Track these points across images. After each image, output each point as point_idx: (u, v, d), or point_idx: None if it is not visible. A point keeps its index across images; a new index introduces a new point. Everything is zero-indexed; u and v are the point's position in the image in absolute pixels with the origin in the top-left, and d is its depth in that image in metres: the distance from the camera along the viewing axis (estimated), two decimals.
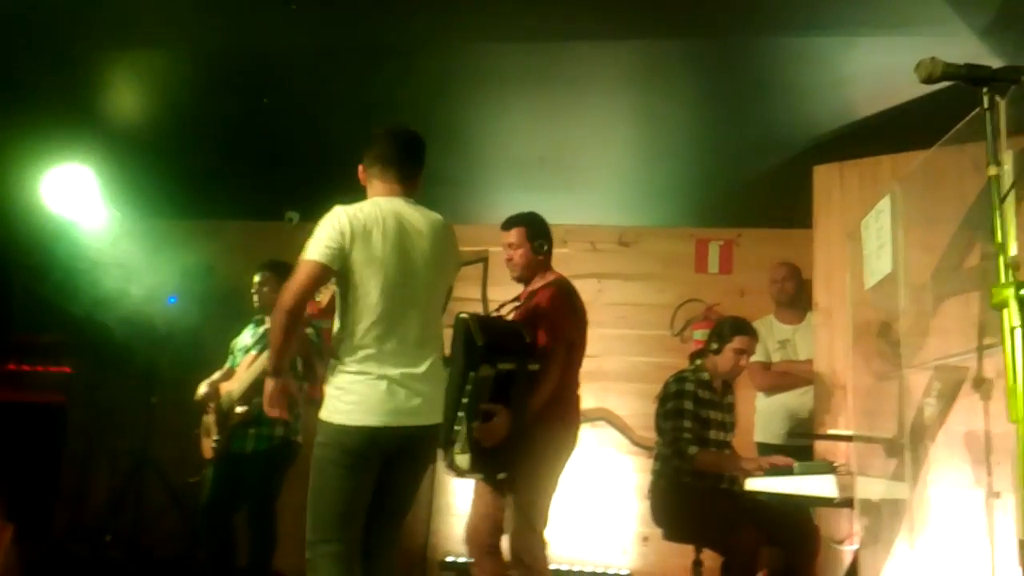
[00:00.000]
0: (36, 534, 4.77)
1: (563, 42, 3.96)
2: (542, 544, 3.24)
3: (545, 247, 3.47)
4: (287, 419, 3.26)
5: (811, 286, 4.41)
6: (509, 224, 3.51)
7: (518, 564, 3.19)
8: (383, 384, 2.62)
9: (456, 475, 3.25)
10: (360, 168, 2.97)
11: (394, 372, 2.64)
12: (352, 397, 2.62)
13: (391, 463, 2.68)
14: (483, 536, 3.37)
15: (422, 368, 2.70)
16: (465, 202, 5.70)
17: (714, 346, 3.79)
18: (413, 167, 2.94)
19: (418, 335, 2.70)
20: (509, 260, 3.49)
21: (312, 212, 5.82)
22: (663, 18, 3.71)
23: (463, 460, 3.10)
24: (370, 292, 2.65)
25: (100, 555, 4.93)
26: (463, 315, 3.26)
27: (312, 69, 4.38)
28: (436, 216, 2.87)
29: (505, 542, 3.36)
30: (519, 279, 3.51)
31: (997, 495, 2.86)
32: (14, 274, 5.86)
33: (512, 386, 3.14)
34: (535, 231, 3.46)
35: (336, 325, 2.73)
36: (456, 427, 3.06)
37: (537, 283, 3.46)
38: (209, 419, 4.17)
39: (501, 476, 3.19)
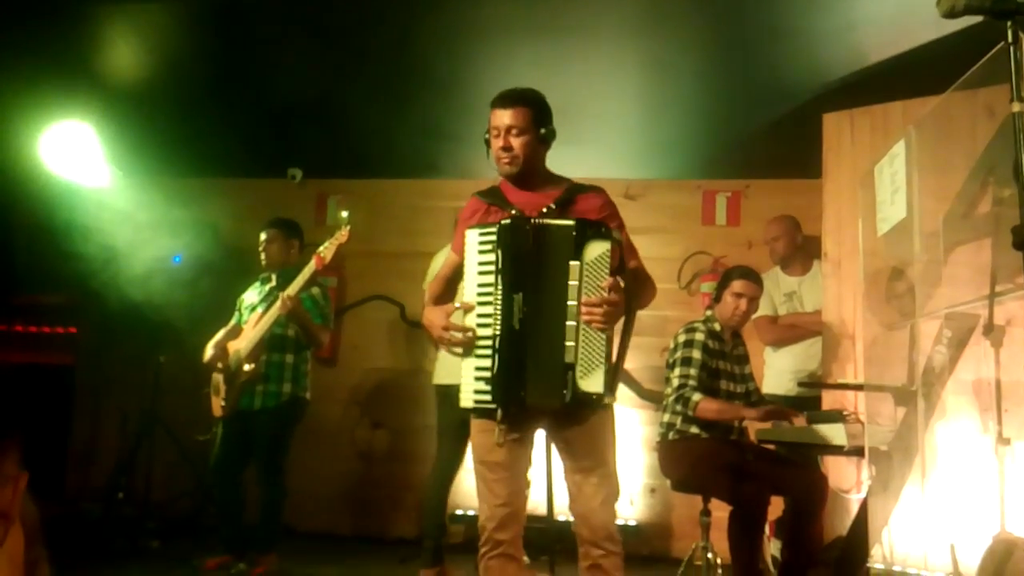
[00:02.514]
0: (47, 494, 4.81)
1: None
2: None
3: (551, 139, 2.69)
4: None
5: (819, 237, 4.37)
6: (511, 100, 2.65)
7: (607, 541, 2.51)
8: None
9: (577, 408, 2.46)
10: None
11: None
12: None
13: None
14: (522, 519, 2.62)
15: None
16: (468, 157, 5.63)
17: (716, 294, 3.79)
18: None
19: None
20: (504, 149, 2.61)
21: (315, 169, 5.87)
22: None
23: (593, 382, 2.40)
24: None
25: (112, 514, 4.98)
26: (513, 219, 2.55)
27: (315, 23, 4.31)
28: None
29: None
30: (513, 176, 2.65)
31: (1007, 442, 2.86)
32: (16, 235, 5.84)
33: (621, 263, 2.51)
34: (543, 115, 2.67)
35: None
36: (569, 343, 2.40)
37: (549, 187, 2.68)
38: (218, 377, 4.18)
39: (610, 399, 2.48)
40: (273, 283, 4.22)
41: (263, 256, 4.27)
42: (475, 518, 5.07)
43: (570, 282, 2.41)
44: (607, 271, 2.43)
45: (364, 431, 5.68)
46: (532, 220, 2.51)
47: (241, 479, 4.16)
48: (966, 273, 3.23)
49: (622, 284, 2.46)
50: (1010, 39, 1.81)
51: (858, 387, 3.73)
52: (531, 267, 2.46)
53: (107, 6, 4.18)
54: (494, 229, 2.51)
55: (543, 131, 2.64)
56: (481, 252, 2.53)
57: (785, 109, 4.58)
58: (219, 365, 4.16)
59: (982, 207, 3.38)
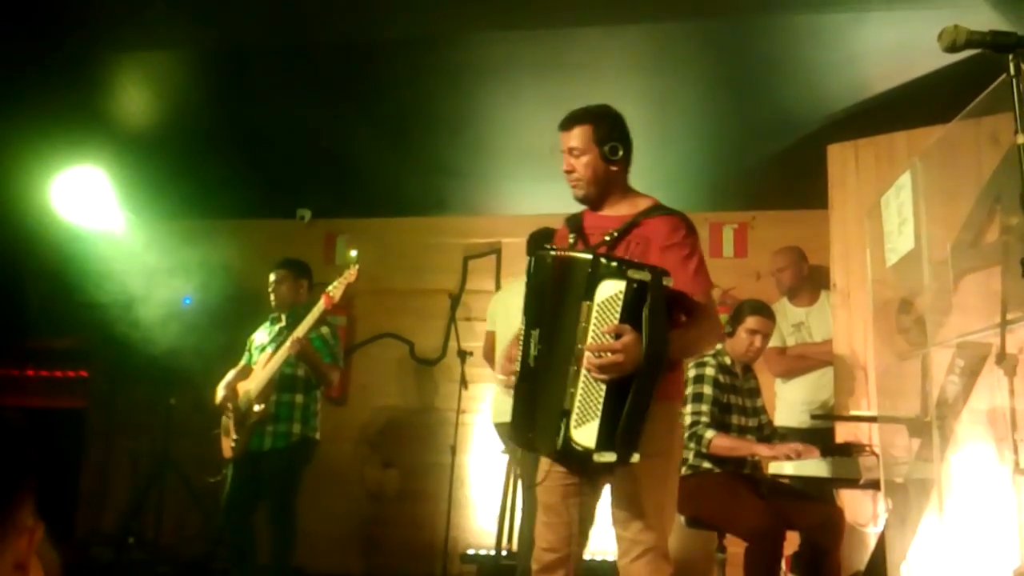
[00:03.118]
0: (58, 539, 4.80)
1: (571, 28, 3.93)
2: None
3: (620, 152, 2.46)
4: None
5: (827, 267, 4.37)
6: (569, 121, 2.51)
7: None
8: None
9: (570, 461, 2.33)
10: None
11: None
12: None
13: None
14: (570, 564, 2.45)
15: None
16: (476, 194, 5.69)
17: (729, 328, 3.77)
18: None
19: None
20: (569, 172, 2.49)
21: (323, 209, 5.91)
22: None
23: (585, 434, 2.19)
24: None
25: (123, 558, 4.96)
26: (539, 252, 2.45)
27: (322, 65, 4.38)
28: None
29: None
30: (583, 199, 2.52)
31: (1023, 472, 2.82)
32: (29, 279, 5.89)
33: (644, 308, 2.18)
34: (606, 130, 2.47)
35: None
36: (571, 389, 2.22)
37: (625, 207, 2.50)
38: (228, 419, 4.17)
39: (635, 459, 2.20)
40: (283, 323, 4.23)
41: (272, 297, 4.29)
42: (486, 558, 5.05)
43: (580, 323, 2.22)
44: (617, 314, 2.18)
45: (374, 470, 5.65)
46: (555, 252, 2.41)
47: (252, 521, 4.14)
48: (976, 301, 3.21)
49: (626, 334, 2.17)
50: (1012, 72, 1.82)
51: (871, 419, 3.69)
52: (549, 303, 2.34)
53: (119, 53, 4.26)
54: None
55: (607, 147, 2.45)
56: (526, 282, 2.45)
57: (790, 141, 4.61)
58: (229, 406, 4.16)
59: (990, 235, 3.37)
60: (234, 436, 4.10)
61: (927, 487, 3.10)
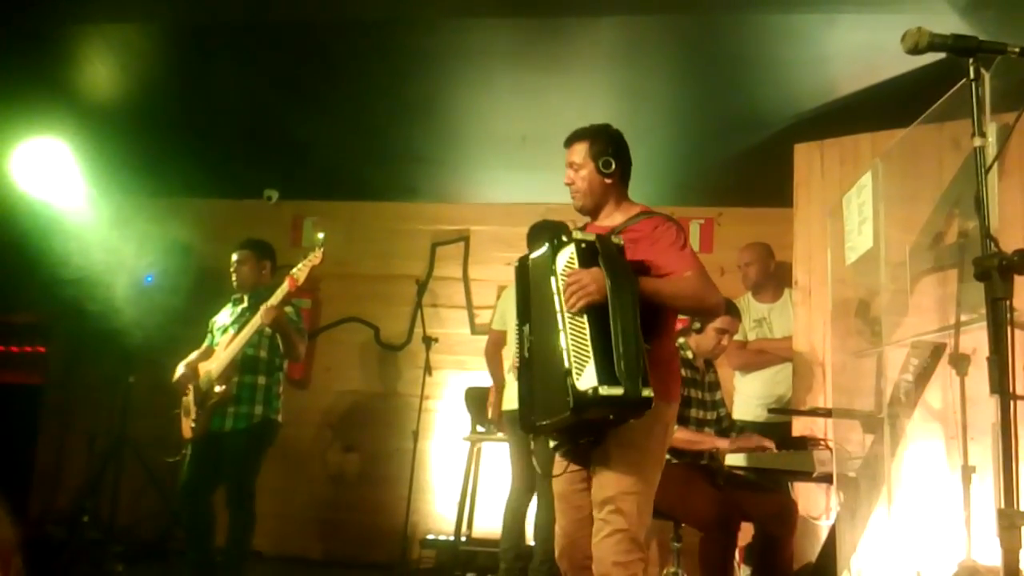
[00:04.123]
0: (12, 516, 4.73)
1: (545, 18, 3.93)
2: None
3: (613, 166, 2.71)
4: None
5: (791, 265, 4.43)
6: (571, 139, 2.79)
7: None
8: None
9: (586, 414, 2.36)
10: None
11: None
12: None
13: None
14: (585, 547, 2.56)
15: None
16: (446, 180, 5.68)
17: (696, 325, 3.81)
18: None
19: None
20: (570, 184, 2.76)
21: (291, 191, 5.87)
22: None
23: (587, 377, 2.28)
24: None
25: (77, 537, 4.89)
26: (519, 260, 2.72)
27: (291, 45, 4.33)
28: None
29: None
30: (581, 209, 2.78)
31: (972, 469, 2.90)
32: None
33: (599, 258, 2.42)
34: (601, 146, 2.72)
35: None
36: (560, 348, 2.39)
37: (619, 216, 2.73)
38: (188, 399, 4.14)
39: (647, 392, 2.28)
40: (245, 304, 4.20)
41: (234, 277, 4.24)
42: (446, 543, 5.08)
43: (554, 296, 2.44)
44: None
45: (336, 454, 5.64)
46: (526, 256, 2.65)
47: (210, 502, 4.10)
48: (932, 302, 3.29)
49: (585, 273, 2.38)
50: (971, 76, 1.86)
51: (827, 413, 3.77)
52: (532, 298, 2.58)
53: (85, 25, 4.18)
54: None
55: (601, 161, 2.69)
56: None
57: (758, 139, 4.66)
58: (190, 386, 4.12)
59: (948, 238, 3.45)
60: (194, 416, 4.06)
61: (878, 481, 3.17)
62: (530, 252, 2.68)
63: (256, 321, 3.91)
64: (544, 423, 2.48)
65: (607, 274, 2.37)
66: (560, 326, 2.40)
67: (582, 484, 2.60)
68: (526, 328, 2.57)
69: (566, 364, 2.35)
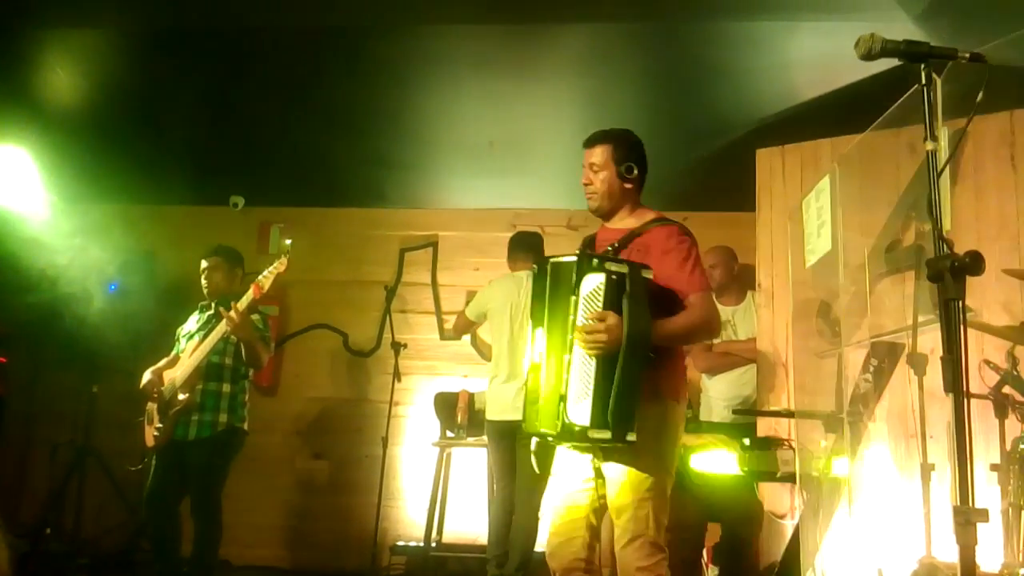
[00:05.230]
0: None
1: (510, 25, 3.96)
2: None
3: (634, 171, 2.76)
4: None
5: (754, 267, 4.49)
6: (592, 139, 2.82)
7: None
8: None
9: (570, 441, 2.50)
10: None
11: None
12: None
13: None
14: (576, 550, 2.58)
15: None
16: (414, 186, 5.68)
17: None
18: None
19: None
20: (586, 185, 2.78)
21: (258, 197, 5.82)
22: (608, 1, 3.73)
23: (579, 413, 2.39)
24: None
25: (39, 549, 4.81)
26: (538, 260, 2.70)
27: (258, 52, 4.31)
28: None
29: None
30: (596, 211, 2.81)
31: (931, 467, 2.96)
32: None
33: (624, 296, 2.43)
34: (624, 151, 2.77)
35: None
36: (565, 375, 2.45)
37: (632, 221, 2.76)
38: (152, 407, 4.09)
39: (631, 437, 2.39)
40: (212, 311, 4.16)
41: (205, 284, 4.19)
42: (416, 549, 5.07)
43: (570, 316, 2.46)
44: (600, 303, 2.43)
45: (305, 461, 5.60)
46: (550, 260, 2.62)
47: (176, 512, 4.05)
48: (891, 303, 3.35)
49: (608, 317, 2.40)
50: (923, 81, 1.90)
51: (789, 414, 3.82)
52: (548, 304, 2.58)
53: (46, 30, 4.13)
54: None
55: (624, 166, 2.74)
56: None
57: (721, 144, 4.72)
58: (154, 394, 4.07)
59: (906, 240, 3.52)
60: (157, 424, 4.01)
61: (839, 481, 3.22)
62: (555, 256, 2.63)
63: (221, 328, 3.88)
64: (543, 431, 2.52)
65: (626, 323, 2.39)
66: (568, 350, 2.46)
67: (583, 485, 2.61)
68: (538, 332, 2.59)
69: (563, 390, 2.44)
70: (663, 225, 2.70)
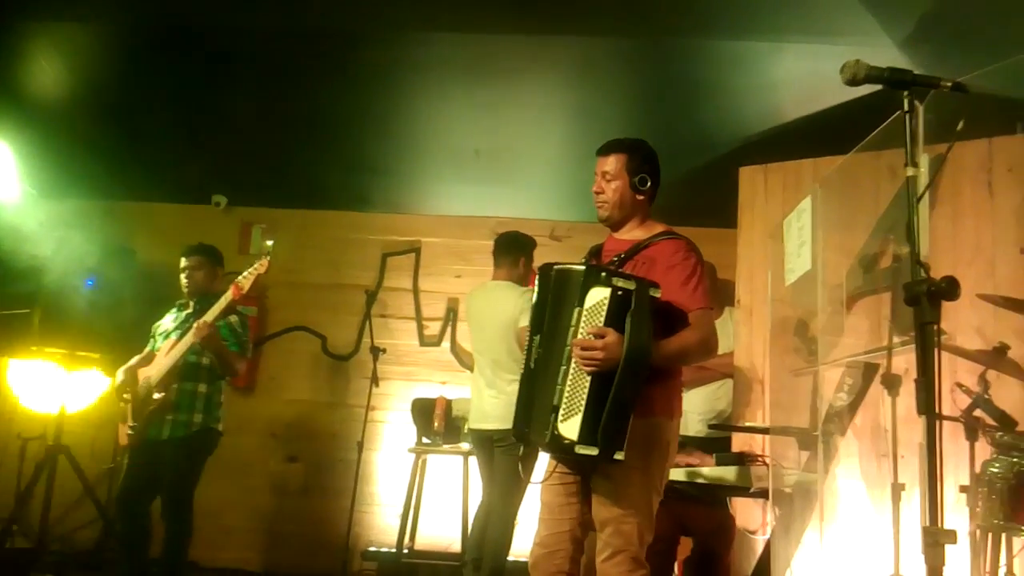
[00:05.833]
0: None
1: (499, 35, 3.98)
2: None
3: (648, 183, 2.72)
4: None
5: (734, 284, 4.53)
6: (607, 147, 2.78)
7: None
8: None
9: (558, 453, 2.52)
10: None
11: None
12: None
13: None
14: (560, 562, 2.57)
15: None
16: (398, 191, 5.68)
17: None
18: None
19: None
20: (598, 194, 2.74)
21: (240, 197, 5.80)
22: (597, 16, 3.76)
23: (570, 427, 2.36)
24: None
25: (5, 545, 4.74)
26: (543, 266, 2.65)
27: (244, 52, 4.30)
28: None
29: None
30: (605, 220, 2.76)
31: (902, 487, 2.99)
32: None
33: (628, 313, 2.39)
34: (639, 162, 2.73)
35: None
36: (559, 386, 2.42)
37: (640, 232, 2.73)
38: (126, 405, 4.05)
39: (619, 456, 2.37)
40: (190, 310, 4.13)
41: (185, 282, 4.15)
42: (388, 555, 5.04)
43: (571, 327, 2.42)
44: (603, 318, 2.38)
45: (279, 464, 5.57)
46: (555, 266, 2.58)
47: (147, 512, 4.00)
48: (867, 324, 3.40)
49: (608, 335, 2.36)
50: (906, 108, 1.94)
51: (764, 430, 3.85)
52: (549, 311, 2.54)
53: (30, 22, 4.09)
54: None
55: (637, 177, 2.70)
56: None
57: (704, 160, 4.76)
58: (128, 392, 4.03)
59: (883, 262, 3.57)
60: (131, 423, 3.97)
61: (811, 497, 3.25)
62: (559, 263, 2.60)
63: (190, 336, 3.86)
64: (534, 439, 2.51)
65: (627, 343, 2.36)
66: (564, 362, 2.43)
67: (571, 498, 2.59)
68: (536, 339, 2.56)
69: (556, 401, 2.41)
70: (671, 239, 2.67)
